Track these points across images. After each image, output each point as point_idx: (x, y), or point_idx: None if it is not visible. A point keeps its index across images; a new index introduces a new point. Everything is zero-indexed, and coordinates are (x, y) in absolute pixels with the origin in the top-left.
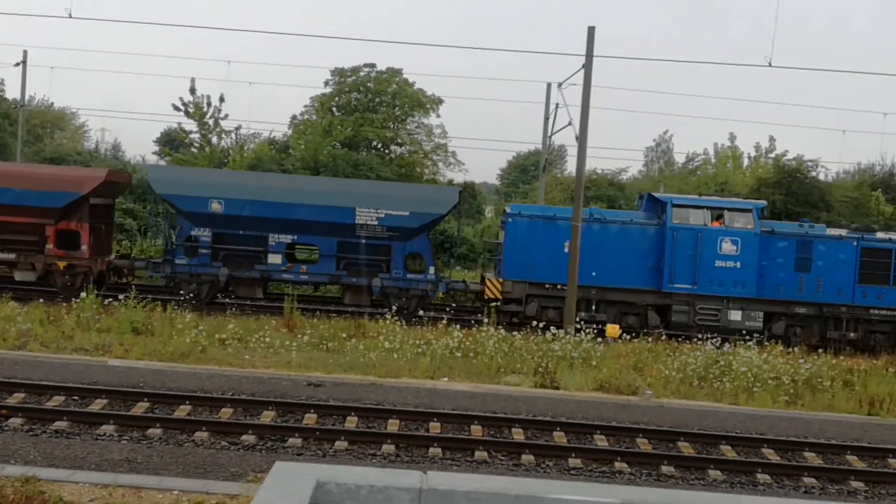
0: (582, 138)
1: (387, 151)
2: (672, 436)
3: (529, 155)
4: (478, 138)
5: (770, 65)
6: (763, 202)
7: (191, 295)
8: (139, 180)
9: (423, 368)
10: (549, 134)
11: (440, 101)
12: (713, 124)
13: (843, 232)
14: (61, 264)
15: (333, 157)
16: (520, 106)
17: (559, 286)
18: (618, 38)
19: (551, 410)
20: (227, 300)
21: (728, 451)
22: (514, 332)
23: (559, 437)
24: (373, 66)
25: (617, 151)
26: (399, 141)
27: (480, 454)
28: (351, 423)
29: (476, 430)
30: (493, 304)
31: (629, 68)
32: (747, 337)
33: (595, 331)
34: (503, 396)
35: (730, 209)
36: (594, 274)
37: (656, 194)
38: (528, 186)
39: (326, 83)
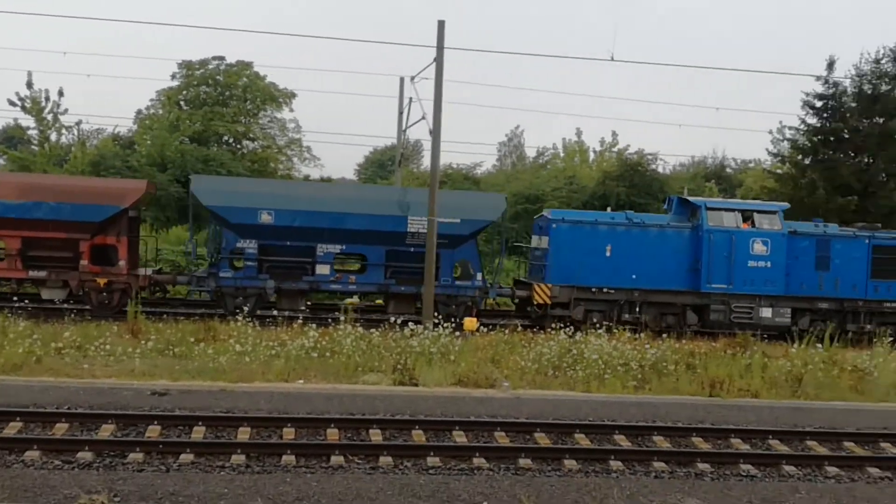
0: (435, 133)
1: (238, 146)
2: (529, 427)
3: (386, 150)
4: (334, 132)
5: (612, 59)
6: (786, 204)
7: (237, 308)
8: None
9: (277, 371)
10: (403, 128)
11: (293, 95)
12: (562, 119)
13: (854, 231)
14: (101, 281)
15: (182, 152)
16: (375, 100)
17: (604, 289)
18: (470, 31)
19: (410, 408)
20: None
21: (582, 440)
22: (372, 330)
23: (418, 436)
24: (222, 58)
25: (472, 146)
26: (251, 136)
27: (336, 459)
28: (198, 433)
29: (332, 434)
30: (540, 308)
31: (483, 63)
32: (597, 326)
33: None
34: (361, 396)
35: (758, 211)
36: (634, 277)
37: (688, 197)
38: (386, 182)
39: (173, 76)
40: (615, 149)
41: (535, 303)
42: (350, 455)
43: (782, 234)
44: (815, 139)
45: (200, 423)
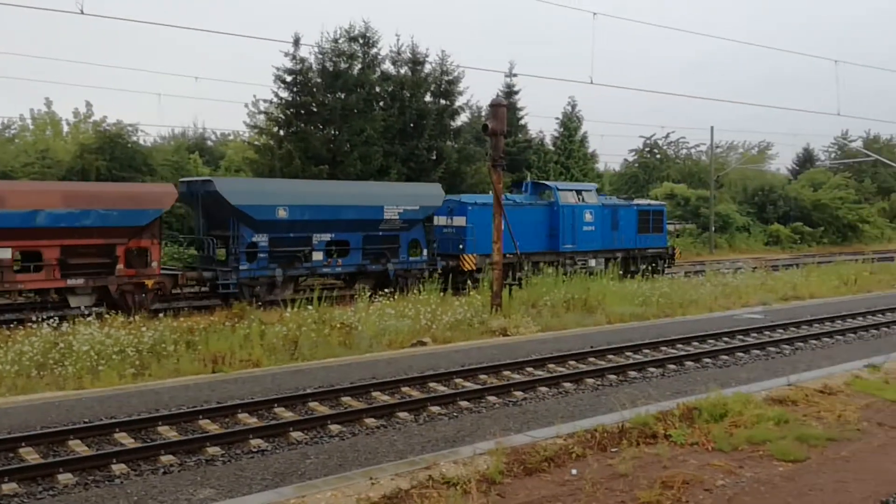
0: None
1: None
2: (11, 444)
3: None
4: None
5: (82, 12)
6: (595, 184)
7: (253, 297)
8: None
9: None
10: None
11: None
12: (29, 86)
13: (627, 201)
14: (150, 282)
15: None
16: None
17: (505, 255)
18: None
19: None
20: None
21: (78, 447)
22: None
23: None
24: None
25: None
26: None
27: None
28: None
29: None
30: (462, 274)
31: None
32: (86, 312)
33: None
34: None
35: (584, 190)
36: (519, 244)
37: (542, 181)
38: None
39: None
40: (91, 120)
41: (465, 270)
42: None
43: (600, 207)
44: (288, 112)
45: None
